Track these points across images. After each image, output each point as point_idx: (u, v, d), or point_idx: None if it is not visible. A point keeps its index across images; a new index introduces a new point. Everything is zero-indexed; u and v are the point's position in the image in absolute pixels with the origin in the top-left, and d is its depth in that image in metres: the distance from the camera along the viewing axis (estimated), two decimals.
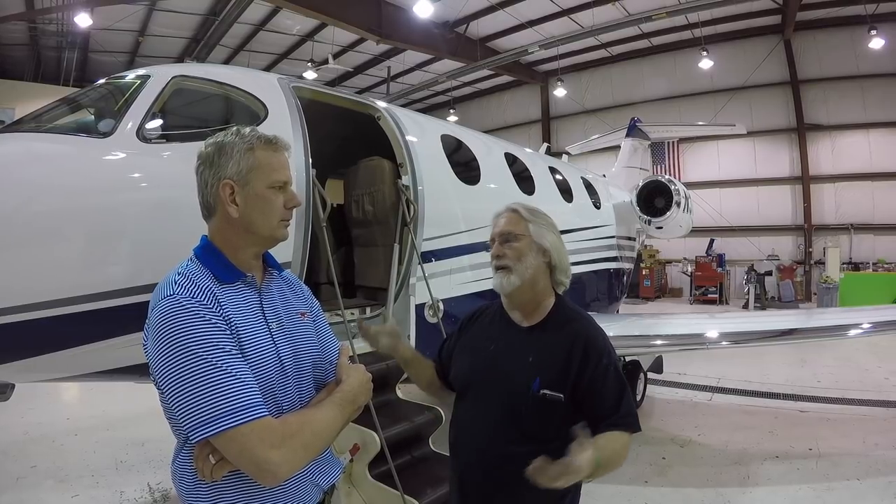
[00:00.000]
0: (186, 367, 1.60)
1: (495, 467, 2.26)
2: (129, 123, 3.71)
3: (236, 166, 1.85)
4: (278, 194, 1.90)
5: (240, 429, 1.57)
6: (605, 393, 2.22)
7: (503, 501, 2.27)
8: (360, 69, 25.77)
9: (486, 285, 5.93)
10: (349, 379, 1.94)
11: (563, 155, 14.61)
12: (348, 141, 6.22)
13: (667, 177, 12.54)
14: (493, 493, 2.29)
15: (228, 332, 1.71)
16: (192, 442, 1.65)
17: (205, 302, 1.71)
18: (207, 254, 1.87)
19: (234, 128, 1.93)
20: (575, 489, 2.28)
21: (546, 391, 2.20)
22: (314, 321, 2.08)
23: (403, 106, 7.89)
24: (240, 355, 1.69)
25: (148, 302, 1.79)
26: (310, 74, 21.38)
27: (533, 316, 2.40)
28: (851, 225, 20.80)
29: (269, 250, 2.03)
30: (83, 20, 16.63)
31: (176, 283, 1.74)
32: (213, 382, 1.59)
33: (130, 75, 4.23)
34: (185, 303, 1.68)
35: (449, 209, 5.90)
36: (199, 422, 1.57)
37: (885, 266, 19.69)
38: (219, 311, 1.72)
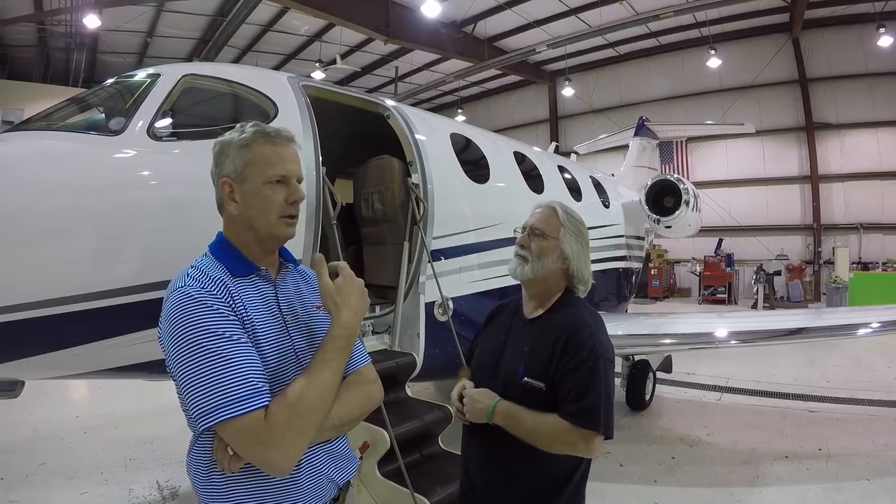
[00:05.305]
0: (189, 356, 1.62)
1: (493, 446, 2.36)
2: (140, 122, 3.71)
3: (232, 164, 1.85)
4: (277, 189, 1.85)
5: (235, 422, 1.58)
6: (570, 384, 2.21)
7: (501, 482, 2.36)
8: (367, 69, 25.80)
9: (495, 284, 6.01)
10: (338, 317, 1.84)
11: (572, 154, 14.58)
12: (357, 140, 6.22)
13: (676, 176, 12.51)
14: (496, 467, 2.38)
15: (236, 320, 1.71)
16: (198, 432, 1.66)
17: (214, 292, 1.72)
18: (221, 249, 1.88)
19: (240, 124, 1.93)
20: (579, 478, 2.34)
21: (528, 379, 2.28)
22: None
23: (411, 106, 7.88)
24: (246, 342, 1.69)
25: (158, 299, 1.81)
26: (318, 75, 21.43)
27: (541, 308, 2.46)
28: (860, 224, 20.69)
29: (284, 245, 2.02)
30: (91, 21, 16.69)
31: (189, 276, 1.76)
32: (216, 371, 1.60)
33: (140, 74, 4.23)
34: (193, 293, 1.69)
35: (458, 207, 5.89)
36: (201, 411, 1.59)
37: (895, 266, 19.56)
38: (228, 302, 1.73)
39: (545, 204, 2.55)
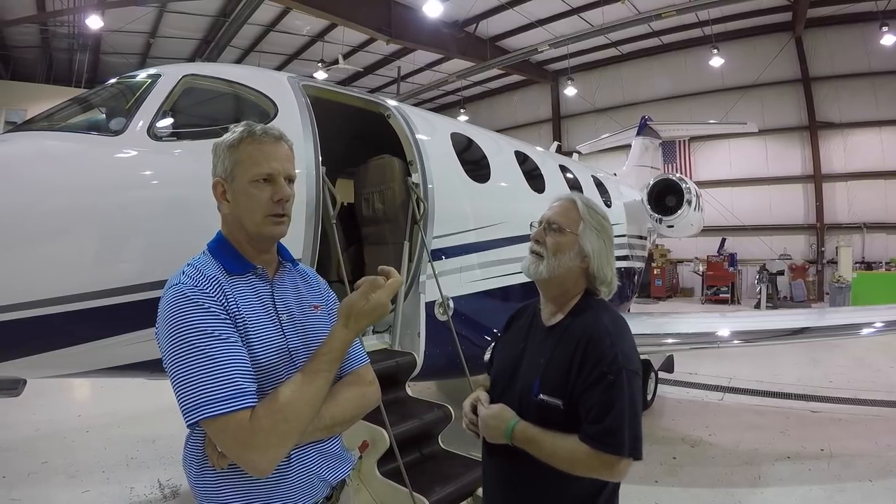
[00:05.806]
0: (179, 352, 1.64)
1: (508, 462, 2.18)
2: (140, 122, 3.73)
3: (223, 165, 1.88)
4: (263, 188, 1.85)
5: (217, 421, 1.60)
6: (590, 402, 1.98)
7: (516, 499, 2.21)
8: (370, 69, 25.83)
9: (496, 283, 6.00)
10: (343, 331, 1.84)
11: (574, 154, 14.56)
12: (358, 140, 6.22)
13: (678, 175, 12.50)
14: (515, 488, 2.21)
15: (227, 319, 1.72)
16: (187, 426, 1.69)
17: (207, 291, 1.74)
18: (219, 247, 1.90)
19: (234, 125, 1.95)
20: (606, 499, 2.14)
21: (543, 396, 2.08)
22: (329, 315, 2.05)
23: (414, 106, 7.89)
24: (235, 342, 1.70)
25: (157, 298, 1.82)
26: (320, 75, 21.41)
27: (560, 312, 2.25)
28: (864, 224, 20.63)
29: (283, 244, 2.03)
30: (94, 22, 16.73)
31: (184, 274, 1.78)
32: (203, 369, 1.61)
33: (141, 74, 4.25)
34: (186, 291, 1.71)
35: (459, 207, 5.89)
36: (186, 407, 1.62)
37: None
38: (221, 300, 1.74)
39: (564, 196, 2.33)
